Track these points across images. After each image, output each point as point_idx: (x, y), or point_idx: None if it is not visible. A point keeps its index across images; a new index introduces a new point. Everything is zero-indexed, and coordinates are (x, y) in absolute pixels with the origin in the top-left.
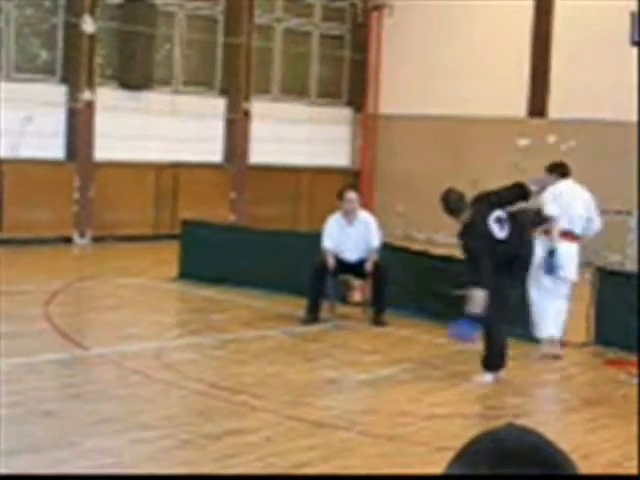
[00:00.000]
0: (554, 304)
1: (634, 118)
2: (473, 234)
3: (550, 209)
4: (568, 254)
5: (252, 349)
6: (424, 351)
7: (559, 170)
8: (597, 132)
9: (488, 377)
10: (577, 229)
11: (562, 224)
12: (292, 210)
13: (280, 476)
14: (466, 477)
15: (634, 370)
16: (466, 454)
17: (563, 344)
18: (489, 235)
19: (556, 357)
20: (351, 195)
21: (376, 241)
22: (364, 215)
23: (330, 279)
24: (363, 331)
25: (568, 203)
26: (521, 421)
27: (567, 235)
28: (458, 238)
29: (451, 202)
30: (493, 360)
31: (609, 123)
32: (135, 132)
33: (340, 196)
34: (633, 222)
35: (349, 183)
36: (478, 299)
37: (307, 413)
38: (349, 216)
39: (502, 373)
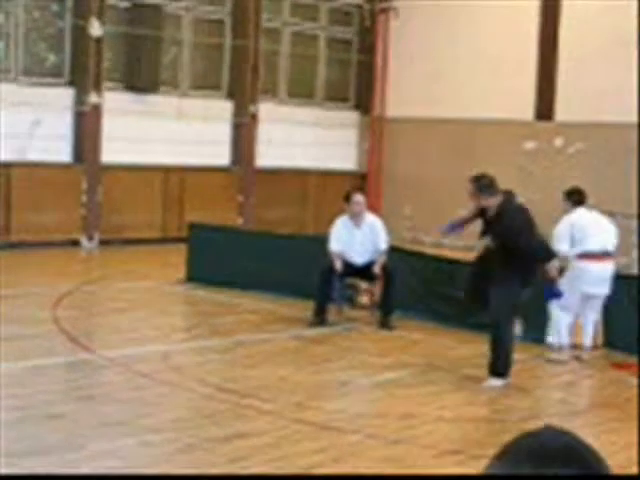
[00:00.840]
0: (571, 315)
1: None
2: (512, 212)
3: (561, 246)
4: (602, 275)
5: (259, 352)
6: (432, 354)
7: (575, 197)
8: (604, 135)
9: (498, 382)
10: (609, 246)
11: (590, 247)
12: (299, 213)
13: (281, 476)
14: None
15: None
16: (507, 454)
17: (576, 352)
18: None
19: (562, 363)
20: (358, 198)
21: (383, 243)
22: (371, 218)
23: (338, 282)
24: (370, 334)
25: (582, 229)
26: (528, 425)
27: (599, 257)
28: (495, 224)
29: (483, 183)
30: (502, 365)
31: (616, 125)
32: (142, 135)
33: (347, 199)
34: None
35: (356, 186)
36: (552, 269)
37: (314, 416)
38: (356, 219)
39: (510, 377)
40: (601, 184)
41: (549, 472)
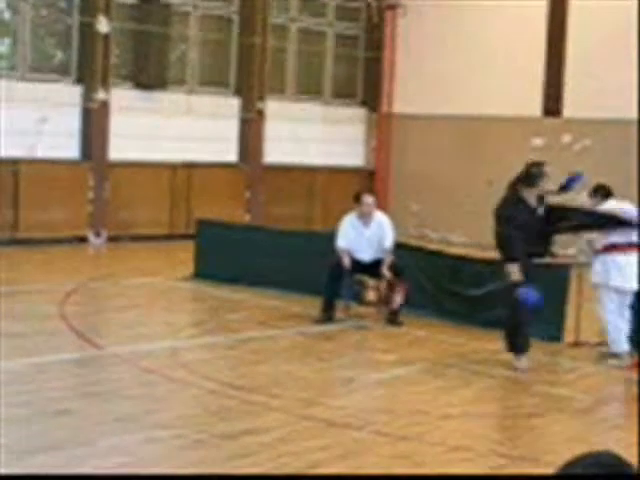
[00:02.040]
0: (623, 319)
1: None
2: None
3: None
4: (626, 266)
5: (266, 348)
6: (439, 351)
7: (601, 192)
8: (612, 131)
9: (523, 360)
10: (633, 237)
11: (613, 238)
12: (307, 210)
13: (280, 476)
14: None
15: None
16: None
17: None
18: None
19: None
20: (368, 199)
21: (388, 241)
22: (379, 216)
23: (345, 279)
24: (378, 331)
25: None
26: (535, 421)
27: (620, 247)
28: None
29: (533, 172)
30: (523, 341)
31: (624, 122)
32: (150, 132)
33: (357, 199)
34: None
35: (366, 187)
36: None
37: (321, 412)
38: (365, 218)
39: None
40: (608, 180)
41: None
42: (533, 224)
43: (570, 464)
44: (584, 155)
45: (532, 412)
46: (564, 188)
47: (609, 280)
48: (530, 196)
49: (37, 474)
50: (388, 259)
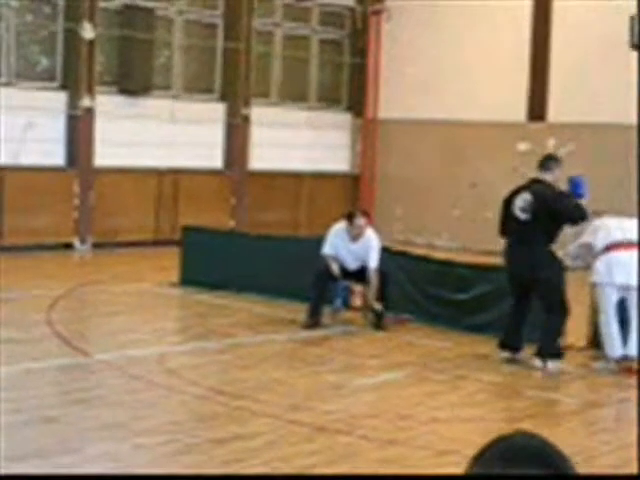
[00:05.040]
0: (616, 321)
1: (634, 121)
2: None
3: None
4: (629, 262)
5: (254, 354)
6: (425, 355)
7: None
8: (596, 135)
9: (559, 364)
10: (635, 236)
11: (615, 237)
12: (292, 215)
13: (280, 476)
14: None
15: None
16: (481, 458)
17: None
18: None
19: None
20: (360, 221)
21: (373, 262)
22: (369, 234)
23: (334, 285)
24: (364, 336)
25: (607, 225)
26: (523, 425)
27: (625, 245)
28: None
29: (548, 158)
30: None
31: (608, 126)
32: (135, 138)
33: (350, 218)
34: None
35: (360, 208)
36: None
37: (309, 417)
38: (354, 235)
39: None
40: (593, 184)
41: (516, 472)
42: None
43: (482, 453)
44: (569, 160)
45: (520, 416)
46: (576, 196)
47: (614, 278)
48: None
49: (37, 474)
50: (373, 287)
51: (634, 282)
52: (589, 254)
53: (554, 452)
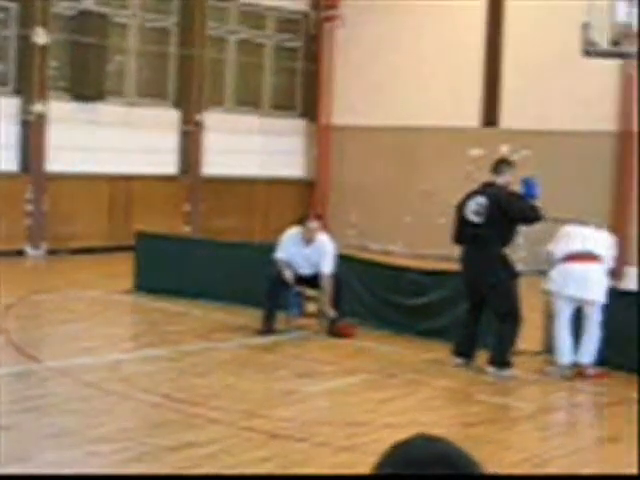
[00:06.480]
0: (568, 330)
1: (586, 127)
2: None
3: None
4: (583, 275)
5: (208, 361)
6: (379, 361)
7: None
8: (549, 142)
9: (510, 371)
10: (597, 249)
11: (574, 247)
12: (247, 221)
13: (281, 476)
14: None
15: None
16: (382, 463)
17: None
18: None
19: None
20: (312, 224)
21: (327, 268)
22: (323, 239)
23: (286, 290)
24: (319, 342)
25: (569, 234)
26: (476, 430)
27: (582, 257)
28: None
29: (500, 162)
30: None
31: (561, 133)
32: (88, 144)
33: (302, 221)
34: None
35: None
36: None
37: (263, 424)
38: (308, 239)
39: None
40: (546, 190)
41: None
42: None
43: (383, 459)
44: (523, 166)
45: (472, 421)
46: (530, 197)
47: (565, 289)
48: None
49: (37, 474)
50: (326, 293)
51: (585, 296)
52: (549, 261)
53: (459, 455)
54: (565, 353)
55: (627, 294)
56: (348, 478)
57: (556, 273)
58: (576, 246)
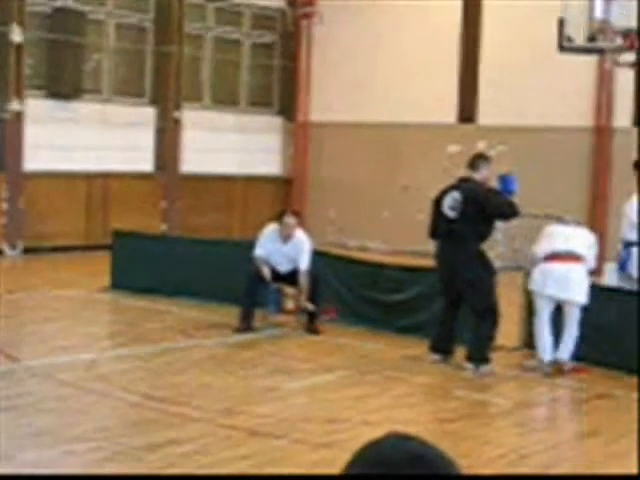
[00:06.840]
0: (549, 329)
1: (562, 123)
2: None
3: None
4: (564, 275)
5: (186, 359)
6: (357, 358)
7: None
8: (526, 138)
9: (490, 367)
10: (578, 248)
11: (556, 247)
12: (224, 219)
13: (281, 476)
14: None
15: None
16: (354, 463)
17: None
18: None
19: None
20: (289, 220)
21: (303, 264)
22: (300, 236)
23: (264, 287)
24: (297, 339)
25: (552, 233)
26: (454, 426)
27: (563, 257)
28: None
29: (477, 157)
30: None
31: (537, 129)
32: (65, 142)
33: (280, 217)
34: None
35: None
36: None
37: (242, 422)
38: (285, 235)
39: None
40: (523, 186)
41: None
42: None
43: (354, 460)
44: (500, 162)
45: (450, 417)
46: (507, 193)
47: (545, 289)
48: None
49: (37, 474)
50: (304, 289)
51: (566, 296)
52: (533, 261)
53: (432, 454)
54: (546, 351)
55: (605, 290)
56: (314, 478)
57: (537, 272)
58: (558, 246)
